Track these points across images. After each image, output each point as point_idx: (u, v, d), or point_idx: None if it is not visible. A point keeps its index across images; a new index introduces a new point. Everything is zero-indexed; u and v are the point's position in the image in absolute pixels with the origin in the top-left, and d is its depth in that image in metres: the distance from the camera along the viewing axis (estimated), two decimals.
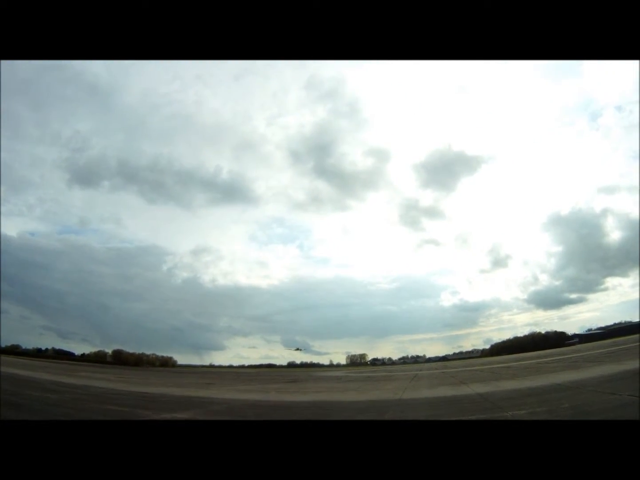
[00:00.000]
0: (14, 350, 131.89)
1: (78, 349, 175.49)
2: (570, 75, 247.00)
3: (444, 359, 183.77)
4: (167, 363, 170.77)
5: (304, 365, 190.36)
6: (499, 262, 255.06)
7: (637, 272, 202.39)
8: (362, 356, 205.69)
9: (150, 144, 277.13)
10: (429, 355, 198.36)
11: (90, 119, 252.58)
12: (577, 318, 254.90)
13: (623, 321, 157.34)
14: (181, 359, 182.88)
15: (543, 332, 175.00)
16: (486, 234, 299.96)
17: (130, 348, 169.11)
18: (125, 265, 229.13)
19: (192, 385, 41.37)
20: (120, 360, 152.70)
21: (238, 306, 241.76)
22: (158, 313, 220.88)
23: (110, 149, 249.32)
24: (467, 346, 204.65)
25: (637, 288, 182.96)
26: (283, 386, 41.36)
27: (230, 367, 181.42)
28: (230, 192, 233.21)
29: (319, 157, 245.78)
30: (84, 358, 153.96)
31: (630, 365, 25.49)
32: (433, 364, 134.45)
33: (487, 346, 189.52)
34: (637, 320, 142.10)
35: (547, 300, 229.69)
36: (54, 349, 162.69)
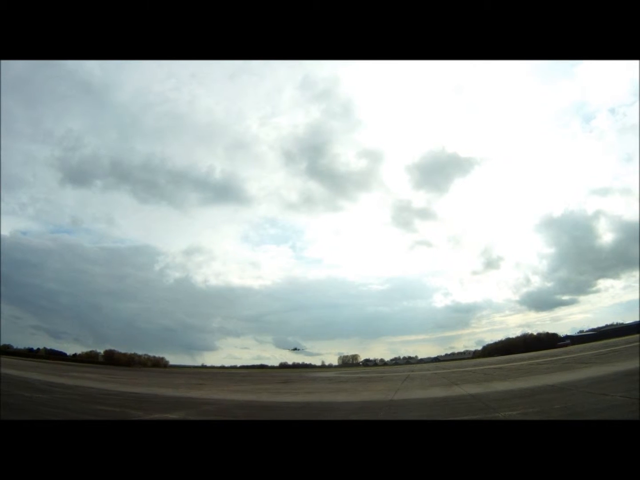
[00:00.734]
0: (6, 350, 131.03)
1: (70, 349, 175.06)
2: (563, 77, 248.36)
3: (436, 360, 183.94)
4: (158, 363, 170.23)
5: (296, 366, 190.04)
6: (491, 264, 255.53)
7: (630, 274, 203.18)
8: (354, 357, 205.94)
9: (143, 143, 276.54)
10: (421, 356, 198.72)
11: (83, 117, 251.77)
12: (569, 320, 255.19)
13: (615, 323, 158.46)
14: (173, 359, 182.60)
15: (535, 333, 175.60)
16: (479, 235, 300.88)
17: (122, 348, 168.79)
18: (117, 265, 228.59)
19: (183, 386, 41.22)
20: (112, 360, 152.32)
21: (230, 307, 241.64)
22: (150, 313, 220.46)
23: (103, 148, 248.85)
24: (459, 347, 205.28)
25: (629, 290, 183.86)
26: (275, 387, 41.31)
27: (222, 367, 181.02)
28: (223, 192, 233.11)
29: (312, 158, 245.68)
30: (75, 358, 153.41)
31: (622, 366, 25.59)
32: (425, 365, 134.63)
33: (479, 347, 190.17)
34: (629, 322, 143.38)
35: (539, 302, 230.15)
36: (45, 349, 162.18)
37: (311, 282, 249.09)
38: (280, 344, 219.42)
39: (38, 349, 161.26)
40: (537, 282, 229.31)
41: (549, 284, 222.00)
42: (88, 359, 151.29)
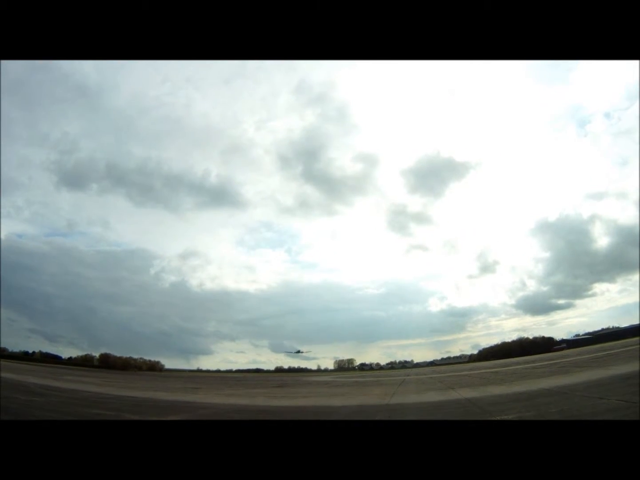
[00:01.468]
0: (1, 354, 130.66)
1: (65, 352, 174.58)
2: (559, 81, 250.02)
3: (432, 364, 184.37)
4: (154, 367, 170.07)
5: (291, 370, 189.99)
6: (486, 268, 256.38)
7: (626, 277, 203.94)
8: (350, 361, 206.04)
9: (139, 146, 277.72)
10: (416, 360, 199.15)
11: (79, 121, 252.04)
12: (565, 323, 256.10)
13: (611, 326, 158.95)
14: (168, 363, 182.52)
15: (531, 337, 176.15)
16: (474, 239, 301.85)
17: (117, 352, 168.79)
18: (112, 268, 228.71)
19: (179, 390, 41.17)
20: (108, 364, 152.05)
21: (226, 310, 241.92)
22: (145, 317, 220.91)
23: (99, 152, 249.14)
24: (455, 351, 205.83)
25: (625, 293, 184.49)
26: (270, 391, 41.20)
27: (218, 371, 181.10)
28: (219, 195, 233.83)
29: (307, 162, 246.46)
30: (71, 362, 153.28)
31: (618, 370, 25.59)
32: (421, 369, 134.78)
33: (475, 351, 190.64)
34: (625, 325, 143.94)
35: (535, 306, 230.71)
36: (41, 353, 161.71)
37: (307, 286, 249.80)
38: (275, 348, 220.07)
39: (33, 352, 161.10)
40: (532, 286, 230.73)
41: (545, 288, 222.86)
42: (83, 363, 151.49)
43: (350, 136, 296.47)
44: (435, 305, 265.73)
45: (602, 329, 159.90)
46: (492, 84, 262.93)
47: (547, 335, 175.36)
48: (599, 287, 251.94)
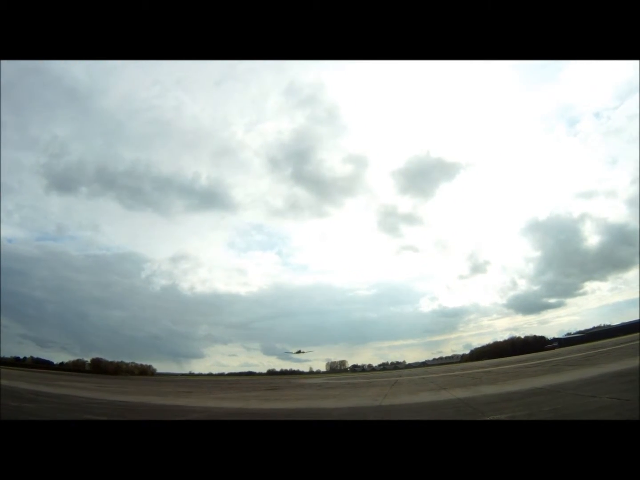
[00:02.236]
0: None
1: (57, 357, 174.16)
2: (549, 81, 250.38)
3: (424, 364, 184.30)
4: (146, 371, 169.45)
5: (284, 372, 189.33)
6: (477, 268, 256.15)
7: (616, 275, 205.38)
8: (342, 363, 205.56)
9: (128, 149, 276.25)
10: (408, 361, 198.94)
11: (69, 124, 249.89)
12: (556, 322, 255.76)
13: (602, 325, 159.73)
14: (160, 367, 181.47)
15: (522, 336, 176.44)
16: (465, 240, 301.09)
17: (109, 356, 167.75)
18: (103, 272, 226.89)
19: (171, 394, 40.91)
20: (99, 368, 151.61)
21: (217, 314, 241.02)
22: (137, 321, 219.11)
23: (88, 155, 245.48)
24: (447, 351, 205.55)
25: (616, 292, 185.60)
26: (263, 394, 41.02)
27: (210, 375, 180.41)
28: (209, 198, 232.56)
29: (297, 164, 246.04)
30: (62, 367, 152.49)
31: (610, 368, 25.67)
32: (413, 370, 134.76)
33: (467, 351, 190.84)
34: (616, 323, 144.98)
35: (527, 305, 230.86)
36: (32, 358, 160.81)
37: (298, 288, 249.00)
38: (267, 351, 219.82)
39: (25, 357, 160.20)
40: (523, 286, 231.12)
41: (536, 287, 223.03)
42: (75, 368, 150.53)
43: (340, 137, 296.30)
44: (426, 306, 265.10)
45: (594, 327, 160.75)
46: (482, 84, 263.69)
47: (538, 334, 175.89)
48: (590, 285, 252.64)
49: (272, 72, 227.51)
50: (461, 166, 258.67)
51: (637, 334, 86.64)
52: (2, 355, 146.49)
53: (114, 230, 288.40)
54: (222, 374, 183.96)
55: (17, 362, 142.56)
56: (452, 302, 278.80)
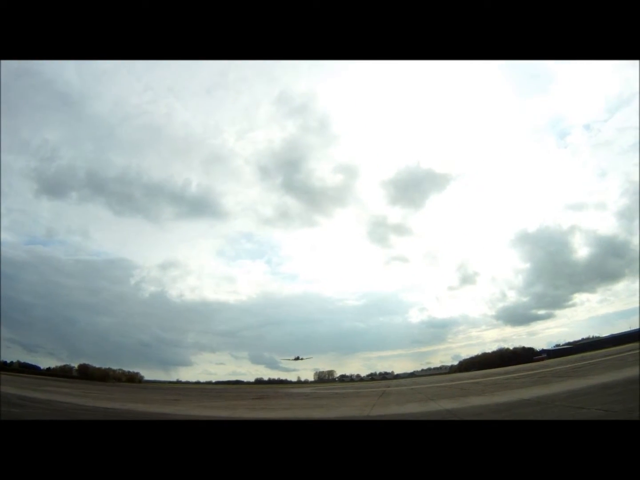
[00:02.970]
0: None
1: (44, 362, 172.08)
2: (539, 93, 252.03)
3: (412, 375, 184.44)
4: (133, 379, 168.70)
5: (271, 381, 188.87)
6: (467, 279, 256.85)
7: (605, 287, 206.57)
8: (330, 373, 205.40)
9: (119, 155, 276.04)
10: (397, 371, 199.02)
11: (60, 128, 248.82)
12: (545, 334, 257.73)
13: (591, 336, 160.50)
14: (148, 374, 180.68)
15: (511, 348, 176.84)
16: (454, 251, 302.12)
17: (96, 363, 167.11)
18: (92, 278, 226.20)
19: (158, 402, 40.66)
20: (87, 375, 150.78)
21: (205, 322, 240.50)
22: (125, 327, 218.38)
23: (79, 159, 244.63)
24: (436, 362, 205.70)
25: (605, 303, 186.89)
26: (250, 403, 40.85)
27: (198, 383, 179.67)
28: (199, 206, 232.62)
29: (287, 173, 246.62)
30: (49, 372, 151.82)
31: (598, 379, 25.65)
32: (401, 380, 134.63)
33: (456, 362, 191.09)
34: (605, 335, 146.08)
35: (515, 317, 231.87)
36: (19, 363, 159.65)
37: (287, 297, 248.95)
38: (255, 360, 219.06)
39: (11, 362, 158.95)
40: (513, 297, 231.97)
41: (525, 299, 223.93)
42: (62, 374, 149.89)
43: (330, 147, 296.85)
44: (415, 317, 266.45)
45: (583, 339, 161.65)
46: (473, 95, 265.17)
47: (527, 345, 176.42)
48: (579, 297, 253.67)
49: (263, 80, 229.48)
50: (451, 177, 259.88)
51: (627, 345, 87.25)
52: None
53: (103, 236, 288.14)
54: (210, 383, 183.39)
55: (3, 367, 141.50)
56: (441, 313, 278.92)
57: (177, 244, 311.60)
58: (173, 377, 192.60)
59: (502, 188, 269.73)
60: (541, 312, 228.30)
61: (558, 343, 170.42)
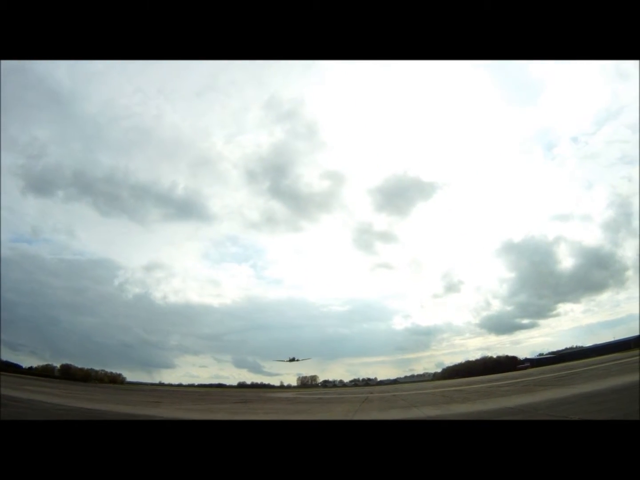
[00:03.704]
0: None
1: (26, 361, 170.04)
2: (528, 104, 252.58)
3: (396, 382, 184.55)
4: (116, 380, 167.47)
5: (254, 385, 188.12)
6: (451, 287, 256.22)
7: (590, 298, 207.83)
8: (313, 378, 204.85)
9: (107, 155, 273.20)
10: (380, 378, 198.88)
11: (49, 126, 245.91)
12: (529, 343, 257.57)
13: (574, 346, 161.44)
14: (130, 376, 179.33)
15: (495, 356, 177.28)
16: (439, 259, 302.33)
17: (79, 363, 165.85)
18: (76, 277, 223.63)
19: (140, 403, 40.54)
20: (69, 375, 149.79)
21: (189, 324, 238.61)
22: (108, 328, 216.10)
23: (67, 158, 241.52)
24: (419, 369, 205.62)
25: (589, 314, 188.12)
26: (232, 407, 40.65)
27: (180, 385, 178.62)
28: (185, 208, 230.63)
29: (274, 178, 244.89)
30: (31, 371, 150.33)
31: (581, 389, 25.72)
32: (384, 387, 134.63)
33: (439, 370, 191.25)
34: (588, 345, 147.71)
35: (499, 325, 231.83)
36: (0, 361, 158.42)
37: (271, 302, 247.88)
38: (238, 364, 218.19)
39: None
40: (497, 306, 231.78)
41: (509, 308, 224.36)
42: (44, 373, 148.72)
43: (318, 153, 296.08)
44: (399, 324, 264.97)
45: (566, 348, 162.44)
46: (462, 104, 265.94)
47: (511, 354, 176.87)
48: (563, 307, 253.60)
49: (253, 85, 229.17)
50: (438, 185, 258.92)
51: (611, 355, 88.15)
52: None
53: (88, 236, 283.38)
54: (192, 385, 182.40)
55: None
56: (425, 320, 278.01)
57: (162, 246, 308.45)
58: (156, 379, 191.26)
59: (489, 197, 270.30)
60: (525, 321, 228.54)
61: (541, 352, 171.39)
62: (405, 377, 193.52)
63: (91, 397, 46.18)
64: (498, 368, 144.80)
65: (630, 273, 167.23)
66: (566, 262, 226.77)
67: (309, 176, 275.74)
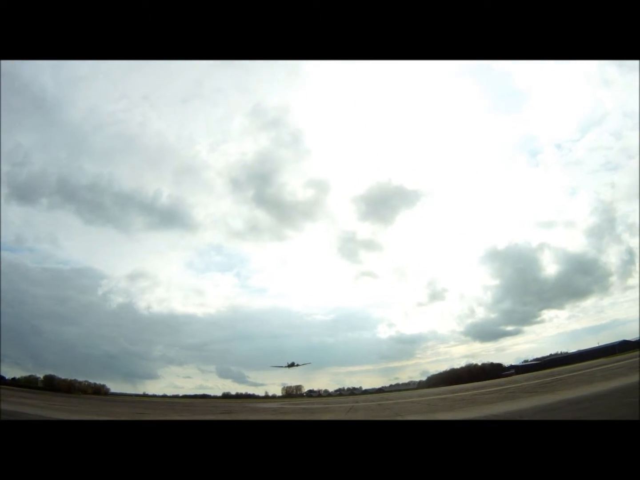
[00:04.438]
0: None
1: (9, 372, 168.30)
2: (513, 112, 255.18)
3: (381, 390, 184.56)
4: (99, 391, 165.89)
5: (239, 396, 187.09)
6: (436, 295, 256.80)
7: (574, 304, 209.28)
8: (298, 388, 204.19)
9: (91, 162, 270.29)
10: (365, 387, 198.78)
11: (33, 133, 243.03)
12: (513, 350, 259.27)
13: (559, 352, 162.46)
14: (114, 387, 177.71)
15: (480, 363, 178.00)
16: (424, 267, 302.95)
17: (62, 374, 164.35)
18: (60, 286, 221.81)
19: (123, 415, 40.01)
20: (52, 386, 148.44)
21: (173, 334, 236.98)
22: (92, 338, 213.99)
23: (51, 165, 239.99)
24: (404, 378, 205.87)
25: (573, 320, 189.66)
26: (217, 417, 40.20)
27: (164, 396, 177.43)
28: (169, 217, 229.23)
29: (259, 186, 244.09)
30: (14, 382, 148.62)
31: (565, 395, 25.72)
32: (369, 396, 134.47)
33: (424, 378, 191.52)
34: (573, 351, 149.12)
35: (484, 333, 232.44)
36: None
37: (256, 311, 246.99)
38: (223, 374, 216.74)
39: None
40: (481, 313, 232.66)
41: (494, 315, 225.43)
42: (27, 384, 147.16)
43: (303, 162, 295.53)
44: (384, 332, 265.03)
45: (551, 355, 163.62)
46: (447, 112, 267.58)
47: (495, 361, 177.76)
48: (547, 313, 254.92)
49: (238, 92, 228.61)
50: (422, 193, 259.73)
51: (596, 360, 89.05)
52: None
53: (72, 245, 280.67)
54: (176, 396, 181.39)
55: None
56: (409, 328, 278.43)
57: (146, 255, 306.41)
58: (140, 390, 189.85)
59: (473, 204, 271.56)
60: (510, 328, 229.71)
61: (526, 359, 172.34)
62: (391, 385, 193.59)
63: (74, 409, 45.62)
64: (483, 375, 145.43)
65: (614, 279, 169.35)
66: (550, 268, 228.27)
67: (293, 185, 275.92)
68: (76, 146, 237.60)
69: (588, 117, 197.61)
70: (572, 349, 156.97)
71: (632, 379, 29.92)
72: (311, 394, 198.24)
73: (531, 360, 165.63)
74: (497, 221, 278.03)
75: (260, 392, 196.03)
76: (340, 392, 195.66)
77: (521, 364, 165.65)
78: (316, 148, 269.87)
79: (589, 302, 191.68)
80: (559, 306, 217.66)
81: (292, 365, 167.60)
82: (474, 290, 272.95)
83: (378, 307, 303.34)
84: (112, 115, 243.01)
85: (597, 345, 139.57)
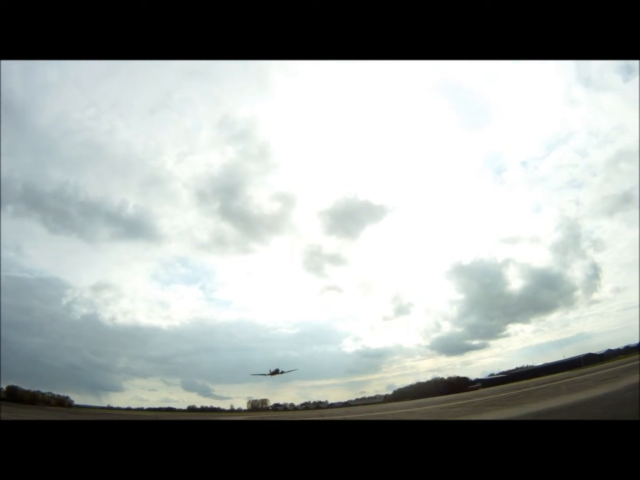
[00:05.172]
0: None
1: None
2: (479, 129, 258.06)
3: (347, 404, 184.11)
4: (63, 402, 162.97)
5: (204, 409, 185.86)
6: (401, 310, 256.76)
7: (539, 318, 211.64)
8: (264, 401, 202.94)
9: (57, 170, 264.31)
10: (331, 400, 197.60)
11: None
12: (479, 363, 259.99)
13: (525, 365, 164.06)
14: (78, 399, 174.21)
15: (446, 377, 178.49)
16: (389, 281, 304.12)
17: (25, 385, 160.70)
18: (24, 296, 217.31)
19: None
20: (15, 397, 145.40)
21: (138, 346, 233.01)
22: (55, 349, 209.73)
23: (16, 172, 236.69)
24: (370, 392, 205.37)
25: (539, 333, 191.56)
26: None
27: (129, 409, 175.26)
28: (135, 227, 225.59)
29: (225, 199, 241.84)
30: None
31: (532, 407, 25.78)
32: (335, 410, 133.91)
33: (390, 392, 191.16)
34: (538, 364, 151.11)
35: (450, 347, 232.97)
36: None
37: (221, 324, 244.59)
38: (188, 387, 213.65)
39: None
40: (447, 328, 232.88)
41: (459, 329, 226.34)
42: None
43: (269, 175, 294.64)
44: (350, 346, 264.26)
45: (517, 368, 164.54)
46: (414, 128, 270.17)
47: (461, 375, 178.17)
48: (513, 327, 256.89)
49: (207, 103, 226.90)
50: (388, 209, 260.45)
51: (561, 373, 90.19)
52: None
53: (37, 254, 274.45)
54: (141, 409, 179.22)
55: None
56: (375, 343, 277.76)
57: (111, 266, 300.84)
58: (104, 402, 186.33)
59: (439, 220, 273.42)
60: (475, 342, 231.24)
61: (492, 372, 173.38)
62: (357, 399, 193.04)
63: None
64: (449, 389, 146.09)
65: (579, 293, 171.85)
66: (515, 283, 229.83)
67: (259, 198, 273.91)
68: (43, 152, 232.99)
69: (554, 135, 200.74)
70: (538, 362, 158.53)
71: (597, 391, 30.22)
72: (277, 407, 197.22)
73: (498, 374, 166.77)
74: (463, 236, 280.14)
75: (225, 405, 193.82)
76: (306, 406, 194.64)
77: (488, 377, 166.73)
78: (283, 161, 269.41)
79: (554, 316, 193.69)
80: (525, 320, 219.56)
81: (276, 372, 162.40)
82: (440, 305, 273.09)
83: (344, 321, 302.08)
84: (79, 122, 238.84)
85: (563, 358, 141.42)
